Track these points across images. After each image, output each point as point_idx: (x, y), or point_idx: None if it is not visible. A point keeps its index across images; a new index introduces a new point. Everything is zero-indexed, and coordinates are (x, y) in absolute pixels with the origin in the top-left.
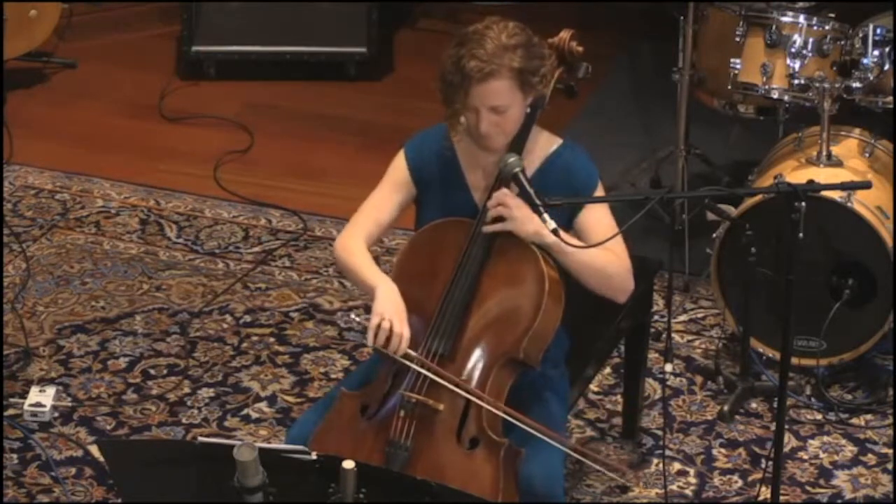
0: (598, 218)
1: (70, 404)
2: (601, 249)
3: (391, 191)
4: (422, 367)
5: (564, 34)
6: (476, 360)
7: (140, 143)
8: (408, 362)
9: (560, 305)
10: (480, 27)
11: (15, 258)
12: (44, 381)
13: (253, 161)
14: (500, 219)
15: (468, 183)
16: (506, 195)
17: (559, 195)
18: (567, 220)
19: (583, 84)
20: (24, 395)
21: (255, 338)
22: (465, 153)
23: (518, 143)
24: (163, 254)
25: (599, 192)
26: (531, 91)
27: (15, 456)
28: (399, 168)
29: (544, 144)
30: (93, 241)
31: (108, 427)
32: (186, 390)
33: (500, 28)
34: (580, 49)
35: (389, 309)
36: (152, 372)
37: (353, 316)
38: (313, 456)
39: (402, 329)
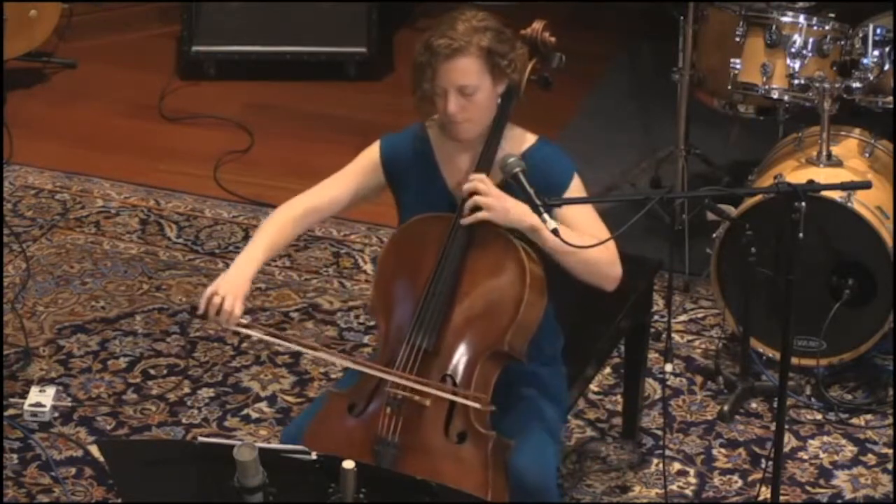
0: (579, 209)
1: (70, 404)
2: (588, 240)
3: (355, 173)
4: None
5: (537, 25)
6: (461, 354)
7: (140, 143)
8: (242, 330)
9: (543, 297)
10: (454, 13)
11: (15, 258)
12: (44, 381)
13: (253, 161)
14: (477, 208)
15: (444, 177)
16: (478, 182)
17: (537, 188)
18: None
19: (582, 84)
20: (24, 395)
21: (255, 338)
22: (441, 148)
23: (494, 141)
24: (163, 254)
25: (577, 184)
26: (501, 77)
27: (15, 456)
28: (370, 155)
29: (519, 140)
30: (93, 241)
31: (108, 427)
32: (186, 390)
33: (471, 13)
34: (552, 39)
35: (226, 286)
36: (152, 372)
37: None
38: (313, 456)
39: (233, 307)
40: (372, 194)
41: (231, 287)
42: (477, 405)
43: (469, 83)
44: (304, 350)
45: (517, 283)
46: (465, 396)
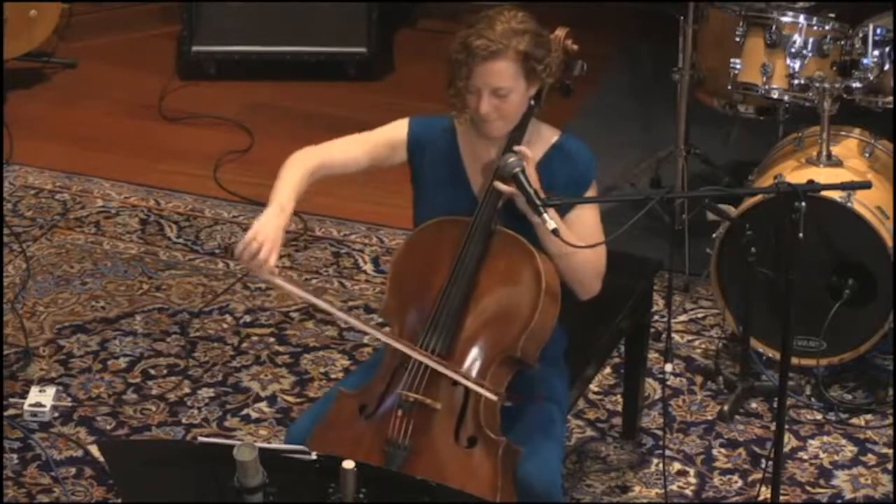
0: (589, 215)
1: (70, 404)
2: (587, 249)
3: (378, 145)
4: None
5: (560, 32)
6: (474, 358)
7: (140, 143)
8: (276, 280)
9: (557, 303)
10: (492, 12)
11: (15, 258)
12: (44, 381)
13: (253, 161)
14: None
15: (468, 176)
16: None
17: (564, 181)
18: (561, 209)
19: (582, 84)
20: (24, 395)
21: (255, 338)
22: (467, 146)
23: (517, 136)
24: (163, 254)
25: (593, 185)
26: (535, 80)
27: (15, 456)
28: (397, 133)
29: (546, 135)
30: (93, 241)
31: (108, 427)
32: (186, 390)
33: (510, 14)
34: (575, 47)
35: (265, 232)
36: (152, 372)
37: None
38: (313, 456)
39: (269, 255)
40: (388, 166)
41: (269, 235)
42: (493, 396)
43: (504, 85)
44: (329, 309)
45: (533, 289)
46: (483, 387)
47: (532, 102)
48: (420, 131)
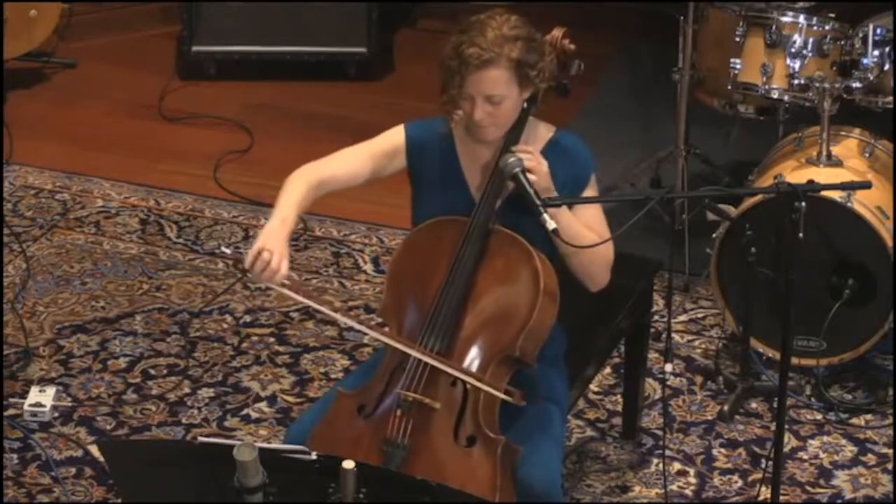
0: (591, 209)
1: (70, 404)
2: (592, 238)
3: (376, 155)
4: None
5: (557, 32)
6: (472, 358)
7: (140, 143)
8: (286, 290)
9: (555, 302)
10: (483, 17)
11: (15, 258)
12: (44, 381)
13: (253, 161)
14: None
15: (466, 178)
16: (532, 151)
17: (562, 178)
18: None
19: (582, 84)
20: (24, 395)
21: (255, 338)
22: (464, 148)
23: (514, 137)
24: (163, 254)
25: (593, 179)
26: (528, 85)
27: (15, 456)
28: (394, 140)
29: (542, 132)
30: (93, 241)
31: (108, 427)
32: (186, 390)
33: (502, 19)
34: (572, 47)
35: (273, 243)
36: (152, 372)
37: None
38: (313, 456)
39: (279, 265)
40: (389, 175)
41: (276, 245)
42: (500, 394)
43: (497, 93)
44: (340, 318)
45: (531, 289)
46: (488, 384)
47: (525, 105)
48: (417, 135)
